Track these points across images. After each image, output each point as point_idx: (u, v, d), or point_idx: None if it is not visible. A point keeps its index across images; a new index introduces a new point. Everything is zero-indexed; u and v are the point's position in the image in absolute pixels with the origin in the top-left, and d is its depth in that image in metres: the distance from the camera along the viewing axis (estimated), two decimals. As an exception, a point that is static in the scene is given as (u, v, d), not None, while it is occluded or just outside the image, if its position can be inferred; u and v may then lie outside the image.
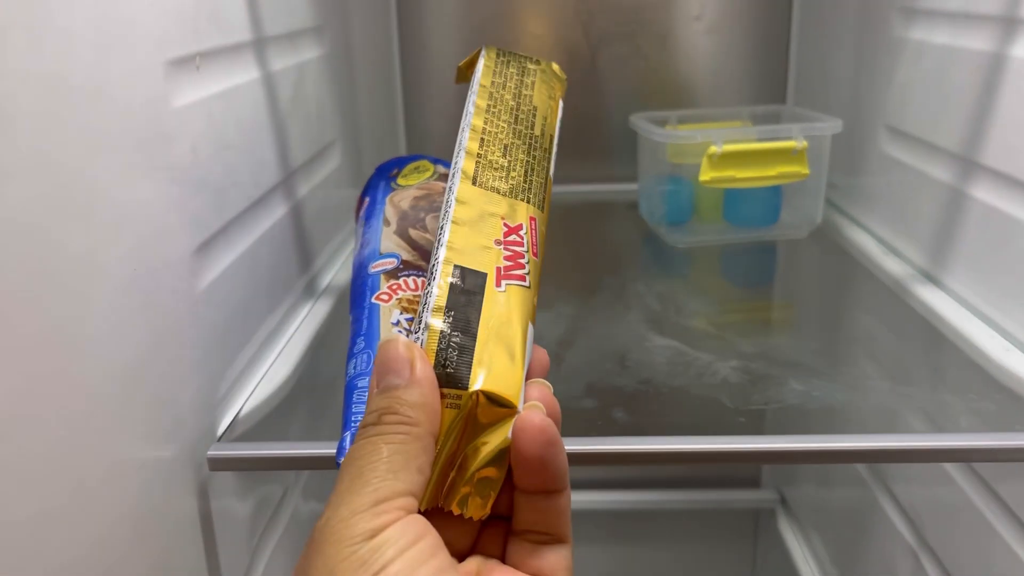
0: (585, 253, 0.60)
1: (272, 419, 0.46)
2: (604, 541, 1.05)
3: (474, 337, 0.30)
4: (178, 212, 0.40)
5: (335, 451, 0.38)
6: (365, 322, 0.45)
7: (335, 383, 0.42)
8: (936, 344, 0.53)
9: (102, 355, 0.33)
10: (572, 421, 0.43)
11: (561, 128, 0.45)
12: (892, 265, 0.64)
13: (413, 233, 0.51)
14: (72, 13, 0.32)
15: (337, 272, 0.67)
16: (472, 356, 0.30)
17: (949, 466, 0.58)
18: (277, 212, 0.55)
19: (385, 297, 0.46)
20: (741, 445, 0.41)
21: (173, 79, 0.40)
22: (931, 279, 0.61)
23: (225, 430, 0.44)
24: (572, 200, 0.88)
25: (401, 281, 0.47)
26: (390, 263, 0.48)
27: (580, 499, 1.02)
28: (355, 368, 0.42)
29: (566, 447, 0.39)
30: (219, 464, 0.41)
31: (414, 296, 0.46)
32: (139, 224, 0.36)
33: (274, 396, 0.48)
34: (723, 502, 1.01)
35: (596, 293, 0.60)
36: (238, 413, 0.46)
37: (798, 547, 0.91)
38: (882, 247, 0.69)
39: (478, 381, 0.29)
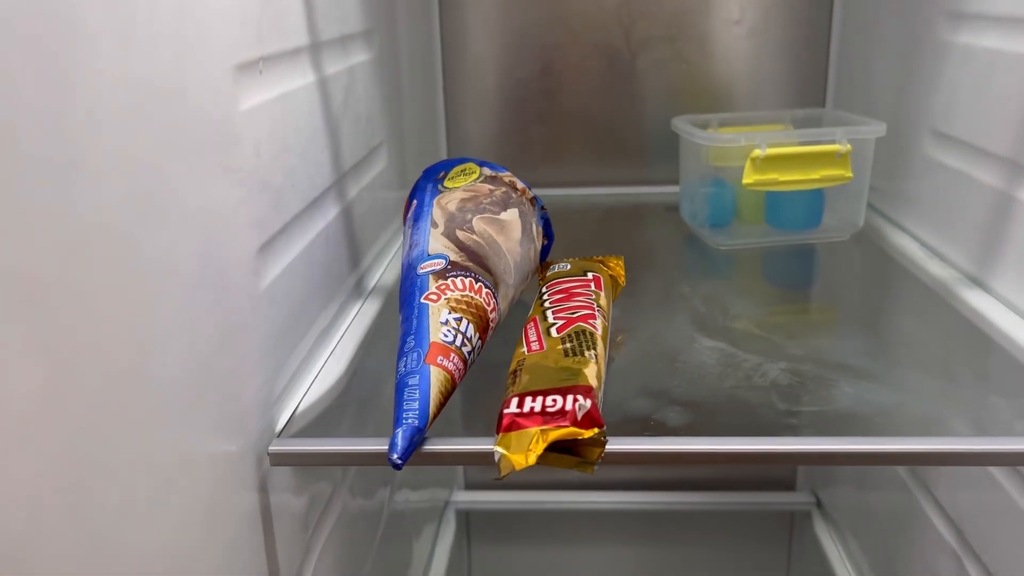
0: (628, 255, 0.60)
1: (328, 415, 0.47)
2: (639, 542, 1.05)
3: None
4: (243, 212, 0.41)
5: (387, 447, 0.39)
6: (415, 321, 0.46)
7: (386, 380, 0.43)
8: (984, 347, 0.53)
9: (175, 351, 0.34)
10: (624, 422, 0.44)
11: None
12: (936, 269, 0.64)
13: (461, 234, 0.52)
14: (153, 19, 0.33)
15: (384, 271, 0.68)
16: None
17: (995, 470, 0.58)
18: (330, 213, 0.56)
19: (434, 297, 0.47)
20: (787, 447, 0.41)
21: (240, 83, 0.41)
22: (977, 283, 0.61)
23: (284, 426, 0.45)
24: (611, 202, 0.88)
25: (449, 281, 0.48)
26: (438, 264, 0.49)
27: (615, 499, 1.03)
28: (405, 366, 0.43)
29: (618, 447, 0.40)
30: (279, 459, 0.42)
31: (462, 296, 0.47)
32: (209, 223, 0.37)
33: (329, 393, 0.49)
34: (758, 504, 1.02)
35: (641, 295, 0.60)
36: (295, 410, 0.47)
37: (835, 550, 0.91)
38: (925, 251, 0.68)
39: None
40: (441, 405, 0.42)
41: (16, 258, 0.25)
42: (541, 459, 0.37)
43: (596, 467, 0.38)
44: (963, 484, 0.63)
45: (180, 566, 0.35)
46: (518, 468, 0.37)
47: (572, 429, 0.37)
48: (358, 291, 0.63)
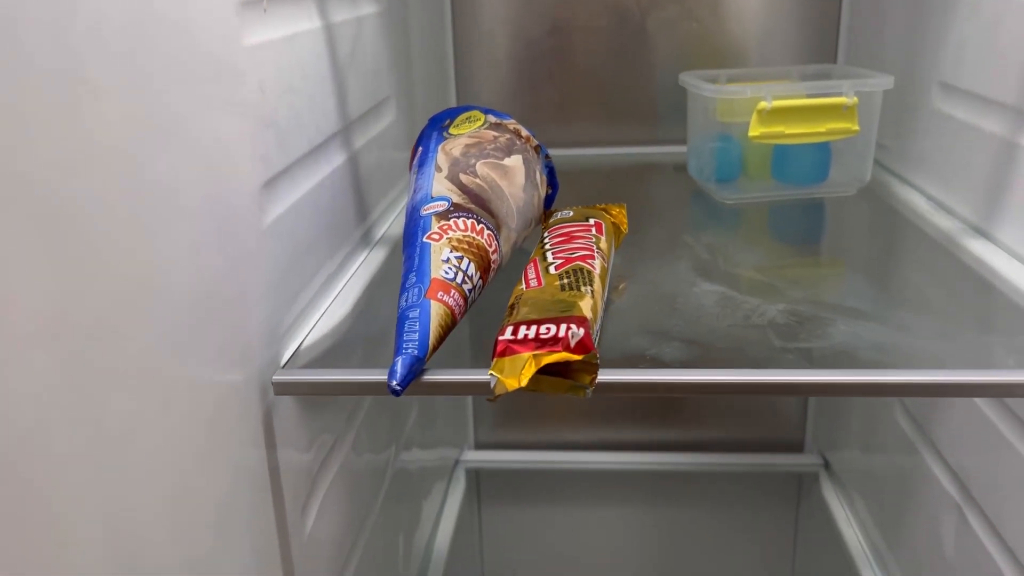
0: (633, 208, 0.61)
1: (332, 352, 0.48)
2: (648, 502, 1.06)
3: None
4: (248, 147, 0.42)
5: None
6: (417, 259, 0.47)
7: (391, 319, 0.44)
8: (985, 292, 0.53)
9: (180, 273, 0.35)
10: (622, 357, 0.45)
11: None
12: (942, 221, 0.64)
13: (464, 178, 0.52)
14: (155, -54, 0.33)
15: (392, 224, 0.69)
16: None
17: (997, 420, 0.58)
18: (336, 160, 0.57)
19: (436, 236, 0.48)
20: (773, 378, 0.42)
21: (244, 18, 0.42)
22: (982, 233, 0.61)
23: (289, 359, 0.46)
24: (620, 162, 0.89)
25: (451, 222, 0.49)
26: (441, 205, 0.50)
27: (625, 460, 1.04)
28: (406, 301, 0.44)
29: (613, 376, 0.41)
30: (283, 388, 0.44)
31: (463, 236, 0.48)
32: (212, 153, 0.38)
33: (334, 331, 0.50)
34: (766, 466, 1.02)
35: (644, 244, 0.61)
36: (300, 344, 0.48)
37: (841, 510, 0.92)
38: (931, 204, 0.68)
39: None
40: (441, 338, 0.43)
41: (24, 168, 0.26)
42: (534, 383, 0.38)
43: (588, 392, 0.39)
44: (966, 435, 0.64)
45: (186, 482, 0.36)
46: (510, 390, 0.38)
47: (564, 353, 0.38)
48: (365, 241, 0.64)
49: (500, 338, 0.40)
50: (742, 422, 1.03)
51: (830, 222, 0.69)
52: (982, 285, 0.54)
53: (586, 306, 0.42)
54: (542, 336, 0.39)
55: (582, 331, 0.39)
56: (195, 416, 0.37)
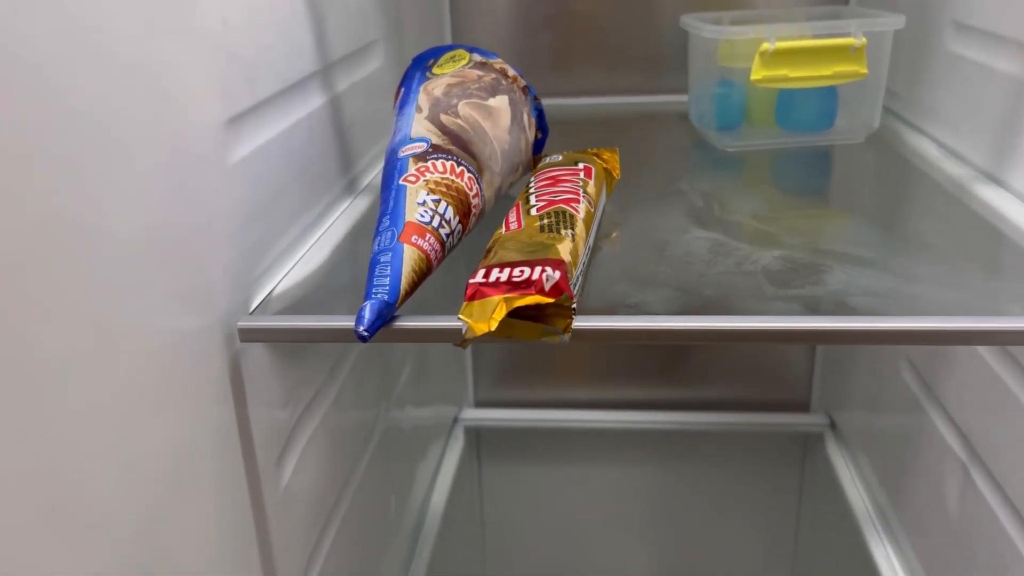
0: (629, 156, 0.58)
1: (306, 300, 0.46)
2: (651, 461, 1.05)
3: None
4: (208, 79, 0.40)
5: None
6: (391, 202, 0.44)
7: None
8: (995, 239, 0.51)
9: (121, 209, 0.33)
10: (604, 303, 0.42)
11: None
12: (952, 168, 0.61)
13: (444, 119, 0.50)
14: None
15: (379, 173, 0.67)
16: None
17: (1005, 375, 0.56)
18: (314, 102, 0.54)
19: (412, 178, 0.45)
20: (758, 324, 0.40)
21: (200, -57, 0.39)
22: (994, 179, 0.58)
23: (258, 306, 0.45)
24: (621, 111, 0.86)
25: (429, 164, 0.46)
26: (419, 147, 0.48)
27: (628, 418, 1.02)
28: (379, 244, 0.42)
29: (592, 324, 0.39)
30: (250, 335, 0.42)
31: (441, 178, 0.45)
32: (161, 82, 0.36)
33: (309, 279, 0.48)
34: (772, 425, 1.00)
35: (637, 191, 0.58)
36: (272, 291, 0.46)
37: (846, 470, 0.90)
38: (942, 151, 0.65)
39: None
40: (415, 284, 0.41)
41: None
42: (506, 328, 0.36)
43: (564, 339, 0.37)
44: (973, 392, 0.61)
45: (135, 431, 0.34)
46: (479, 334, 0.36)
47: (536, 297, 0.36)
48: (350, 190, 0.62)
49: (471, 281, 0.38)
50: (747, 381, 1.01)
51: (835, 171, 0.66)
52: (992, 232, 0.51)
53: (564, 249, 0.40)
54: (515, 279, 0.37)
55: (558, 274, 0.37)
56: (145, 361, 0.35)
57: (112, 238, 0.33)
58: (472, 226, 0.47)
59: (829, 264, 0.46)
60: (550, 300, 0.36)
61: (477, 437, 1.04)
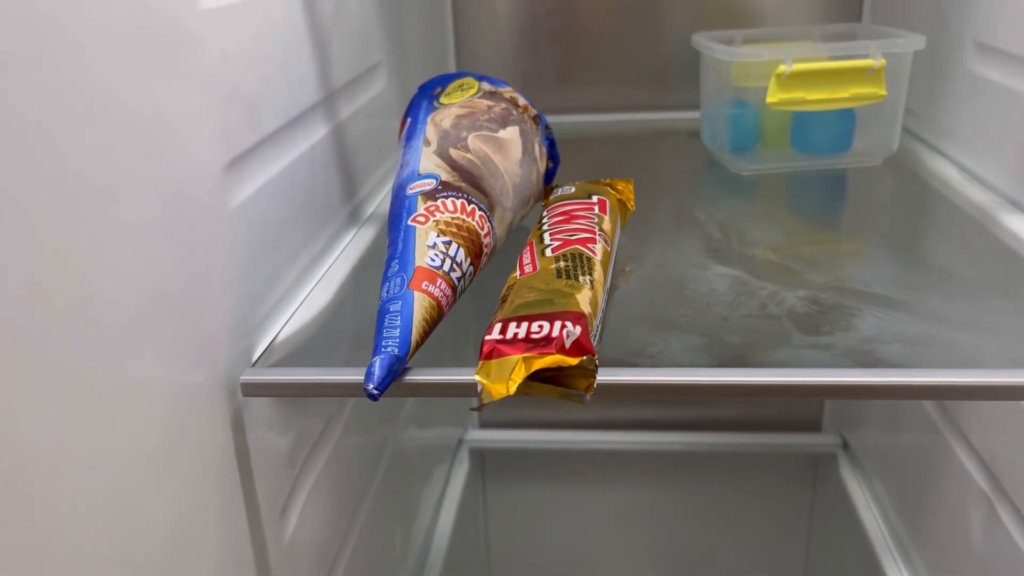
0: (642, 180, 0.56)
1: (310, 345, 0.44)
2: (659, 483, 1.03)
3: None
4: (207, 121, 0.38)
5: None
6: (400, 244, 0.42)
7: (375, 309, 0.40)
8: (1022, 275, 0.49)
9: (122, 260, 0.31)
10: (622, 352, 0.40)
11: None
12: (975, 193, 0.60)
13: (454, 153, 0.48)
14: None
15: (383, 199, 0.65)
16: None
17: (1032, 409, 0.54)
18: (317, 132, 0.52)
19: (422, 219, 0.43)
20: (789, 379, 0.38)
21: (199, -22, 0.37)
22: (1019, 207, 0.56)
23: (260, 355, 0.43)
24: (630, 128, 0.84)
25: (439, 202, 0.44)
26: (428, 184, 0.46)
27: (636, 439, 1.00)
28: (388, 292, 0.40)
29: (610, 377, 0.37)
30: (252, 390, 0.40)
31: (452, 218, 0.43)
32: (164, 127, 0.34)
33: (314, 321, 0.46)
34: (783, 445, 0.98)
35: (653, 222, 0.56)
36: (274, 338, 0.44)
37: (860, 493, 0.88)
38: (964, 175, 0.63)
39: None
40: (426, 333, 0.39)
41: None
42: (525, 389, 0.34)
43: (586, 399, 0.35)
44: (997, 424, 0.59)
45: (135, 496, 0.32)
46: (497, 398, 0.34)
47: (557, 357, 0.34)
48: (354, 219, 0.59)
49: (487, 338, 0.36)
50: (757, 400, 0.99)
51: (854, 196, 0.64)
52: (1019, 265, 0.49)
53: (584, 299, 0.38)
54: (533, 335, 0.35)
55: (578, 330, 0.35)
56: (145, 426, 0.33)
57: (108, 301, 0.31)
58: (484, 264, 0.45)
59: (858, 306, 0.44)
60: (574, 361, 0.34)
61: (482, 459, 1.02)
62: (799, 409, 0.99)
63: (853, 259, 0.51)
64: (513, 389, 0.33)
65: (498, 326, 0.36)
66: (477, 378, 0.34)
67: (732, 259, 0.50)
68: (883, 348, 0.40)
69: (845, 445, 0.96)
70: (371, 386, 0.36)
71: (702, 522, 1.03)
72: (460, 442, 1.00)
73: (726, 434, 0.99)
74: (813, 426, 0.99)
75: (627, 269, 0.50)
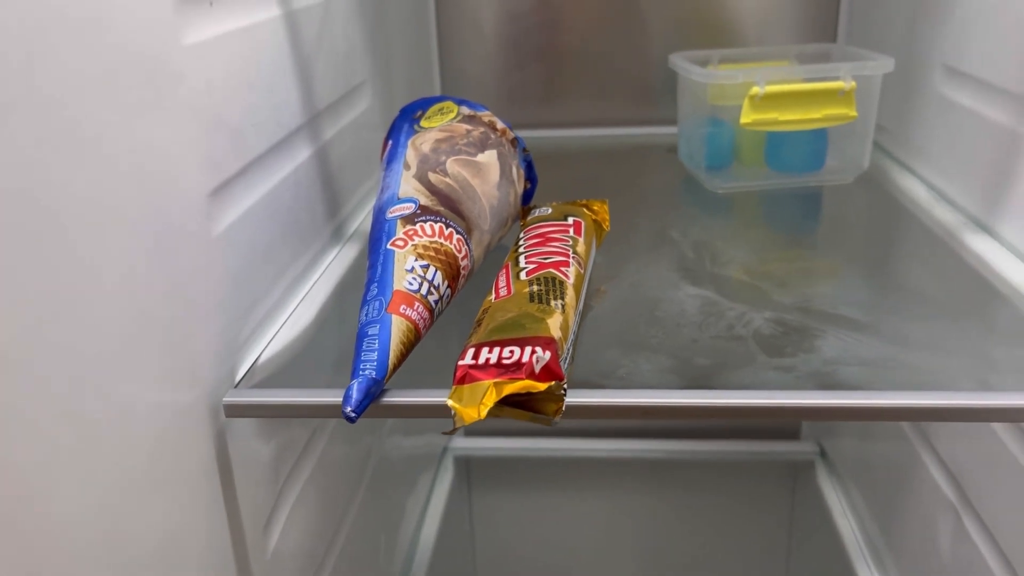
0: (620, 198, 0.58)
1: (293, 366, 0.46)
2: (641, 489, 1.04)
3: None
4: (192, 152, 0.39)
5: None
6: (379, 268, 0.44)
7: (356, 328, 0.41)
8: (988, 296, 0.50)
9: (111, 294, 0.33)
10: (594, 373, 0.42)
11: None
12: (942, 213, 0.61)
13: (433, 177, 0.49)
14: (68, -57, 0.30)
15: (366, 217, 0.66)
16: None
17: (996, 424, 0.56)
18: (301, 154, 0.54)
19: (400, 243, 0.45)
20: (751, 401, 0.39)
21: (183, 15, 0.39)
22: (984, 228, 0.58)
23: (243, 376, 0.44)
24: (611, 143, 0.85)
25: (418, 227, 0.46)
26: (407, 208, 0.47)
27: (618, 447, 1.02)
28: (367, 315, 0.41)
29: (579, 399, 0.38)
30: (235, 411, 0.41)
31: (430, 242, 0.45)
32: (149, 163, 0.35)
33: (297, 341, 0.48)
34: (761, 453, 1.00)
35: (628, 241, 0.58)
36: (257, 359, 0.45)
37: (837, 501, 0.90)
38: (933, 194, 0.65)
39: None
40: (403, 356, 0.40)
41: None
42: (495, 412, 0.36)
43: (554, 422, 0.36)
44: (962, 437, 0.61)
45: (120, 521, 0.34)
46: (468, 422, 0.35)
47: (527, 382, 0.35)
48: (337, 237, 0.61)
49: (460, 363, 0.37)
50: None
51: (826, 214, 0.66)
52: (984, 288, 0.51)
53: (554, 324, 0.39)
54: (504, 361, 0.36)
55: (548, 355, 0.36)
56: (129, 449, 0.34)
57: (98, 328, 0.32)
58: (461, 286, 0.46)
59: (822, 328, 0.45)
60: (543, 387, 0.35)
61: (468, 467, 1.04)
62: (779, 419, 1.00)
63: (821, 279, 0.53)
64: (484, 413, 0.35)
65: (471, 351, 0.37)
66: (449, 403, 0.36)
67: (704, 279, 0.52)
68: (844, 370, 0.41)
69: (822, 453, 0.97)
70: (349, 409, 0.38)
71: (685, 528, 1.05)
72: (445, 450, 1.01)
73: (708, 442, 1.00)
74: (792, 435, 1.01)
75: (602, 289, 0.51)
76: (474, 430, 1.03)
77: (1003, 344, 0.45)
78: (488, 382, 0.35)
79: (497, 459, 1.03)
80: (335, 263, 0.58)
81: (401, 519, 0.82)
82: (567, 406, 0.37)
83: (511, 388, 0.35)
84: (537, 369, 0.36)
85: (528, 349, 0.36)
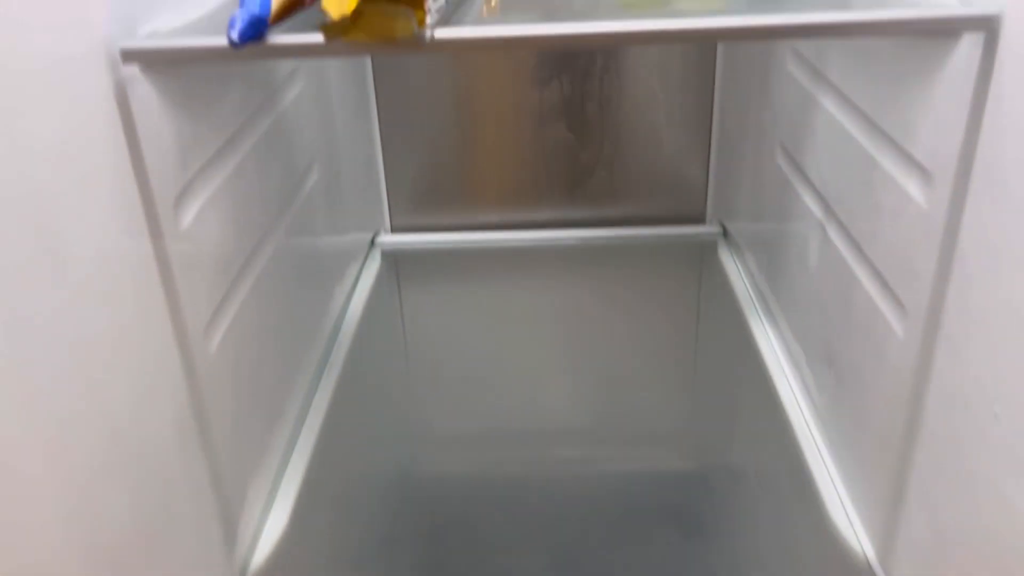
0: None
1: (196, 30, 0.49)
2: (564, 275, 1.11)
3: None
4: None
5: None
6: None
7: None
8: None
9: None
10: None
11: None
12: None
13: None
14: None
15: None
16: None
17: (853, 128, 0.62)
18: None
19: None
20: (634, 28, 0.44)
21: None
22: None
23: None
24: None
25: None
26: None
27: (541, 237, 1.07)
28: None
29: (458, 35, 0.42)
30: (132, 56, 0.45)
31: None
32: None
33: (199, 21, 0.51)
34: (673, 237, 1.07)
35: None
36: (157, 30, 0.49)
37: (734, 268, 0.97)
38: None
39: None
40: (286, 7, 0.44)
41: None
42: (367, 21, 0.39)
43: (419, 32, 0.40)
44: (829, 154, 0.67)
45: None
46: (336, 18, 0.39)
47: None
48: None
49: None
50: (649, 198, 1.07)
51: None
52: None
53: None
54: None
55: None
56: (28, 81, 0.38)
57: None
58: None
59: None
60: None
61: (395, 261, 1.09)
62: (686, 204, 1.07)
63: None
64: (349, 8, 0.39)
65: None
66: (323, 7, 0.40)
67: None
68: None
69: (724, 233, 1.04)
70: (232, 34, 0.42)
71: (605, 306, 1.13)
72: (373, 244, 1.06)
73: (623, 229, 1.07)
74: (699, 219, 1.07)
75: None
76: (400, 227, 1.08)
77: None
78: None
79: (423, 252, 1.08)
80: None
81: (330, 299, 0.87)
82: (441, 40, 0.41)
83: None
84: None
85: None
